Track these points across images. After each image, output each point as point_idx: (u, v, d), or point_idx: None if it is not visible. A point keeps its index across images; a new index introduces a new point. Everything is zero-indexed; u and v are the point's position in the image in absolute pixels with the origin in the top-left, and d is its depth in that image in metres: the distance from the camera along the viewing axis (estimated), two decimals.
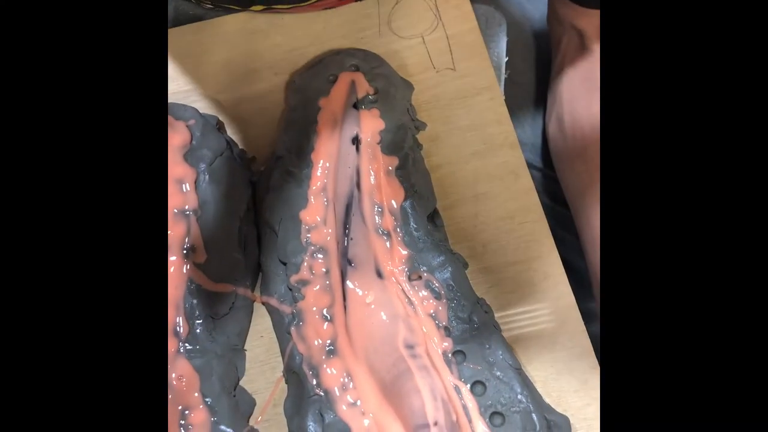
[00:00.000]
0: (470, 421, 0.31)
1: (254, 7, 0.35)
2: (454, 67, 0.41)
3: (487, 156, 0.38)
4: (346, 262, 0.34)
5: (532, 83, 0.49)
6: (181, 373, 0.33)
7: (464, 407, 0.31)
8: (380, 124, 0.37)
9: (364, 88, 0.38)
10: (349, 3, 0.40)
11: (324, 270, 0.35)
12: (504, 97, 0.40)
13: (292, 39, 0.41)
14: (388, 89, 0.38)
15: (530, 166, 0.39)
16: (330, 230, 0.35)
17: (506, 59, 0.44)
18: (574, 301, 0.35)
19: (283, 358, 0.34)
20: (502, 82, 0.43)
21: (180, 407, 0.32)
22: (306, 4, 0.35)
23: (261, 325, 0.36)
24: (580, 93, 0.42)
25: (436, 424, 0.29)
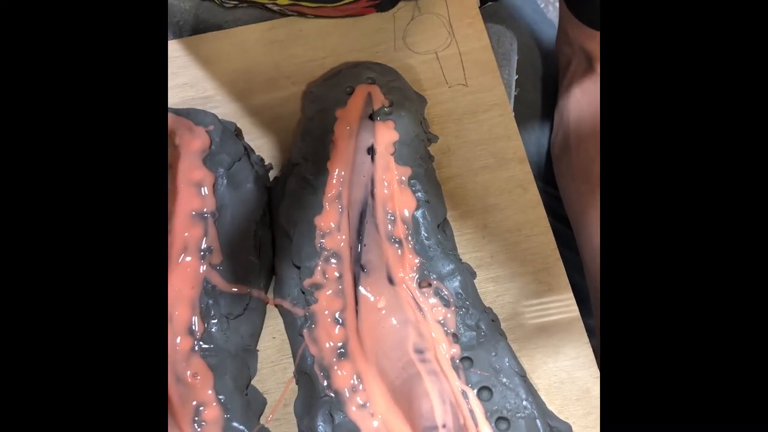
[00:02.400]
0: (477, 425, 0.32)
1: (280, 0, 0.35)
2: (467, 83, 0.42)
3: (496, 169, 0.40)
4: (358, 268, 0.35)
5: (538, 102, 0.51)
6: (195, 370, 0.33)
7: (471, 411, 0.32)
8: (394, 136, 0.38)
9: (379, 100, 0.39)
10: (371, 12, 0.42)
11: (337, 275, 0.36)
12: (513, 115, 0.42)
13: (310, 50, 0.43)
14: (403, 102, 0.39)
15: None
16: (344, 236, 0.36)
17: (516, 77, 0.45)
18: (578, 313, 0.36)
19: (294, 360, 0.35)
20: (512, 99, 0.44)
21: (194, 403, 0.33)
22: (331, 6, 0.35)
23: (273, 326, 0.37)
24: (586, 114, 0.44)
25: (444, 426, 0.30)
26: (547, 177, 0.50)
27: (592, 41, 0.43)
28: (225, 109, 0.42)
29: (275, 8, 0.42)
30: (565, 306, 0.37)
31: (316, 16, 0.43)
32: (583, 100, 0.45)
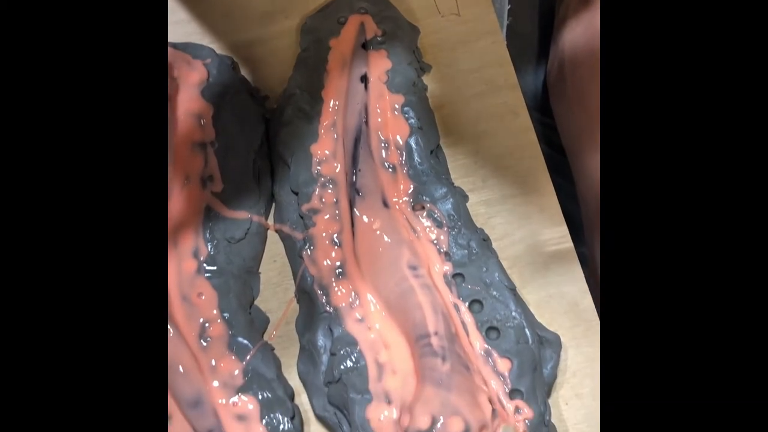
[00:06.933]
0: (468, 334, 0.33)
1: None
2: (459, 12, 0.42)
3: (488, 96, 0.40)
4: (354, 192, 0.37)
5: (534, 33, 0.51)
6: (200, 290, 0.35)
7: (462, 323, 0.34)
8: (387, 64, 0.39)
9: (372, 29, 0.40)
10: None
11: (333, 200, 0.37)
12: (506, 43, 0.42)
13: None
14: (396, 32, 0.40)
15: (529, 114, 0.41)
16: (339, 163, 0.37)
17: (508, 7, 0.46)
18: (567, 231, 0.38)
19: (295, 280, 0.37)
20: (504, 28, 0.45)
21: (200, 320, 0.34)
22: None
23: (274, 251, 0.38)
24: (582, 41, 0.44)
25: (436, 333, 0.32)
26: (543, 107, 0.51)
27: None
28: (221, 43, 0.42)
29: None
30: (555, 226, 0.38)
31: None
32: (578, 28, 0.45)
